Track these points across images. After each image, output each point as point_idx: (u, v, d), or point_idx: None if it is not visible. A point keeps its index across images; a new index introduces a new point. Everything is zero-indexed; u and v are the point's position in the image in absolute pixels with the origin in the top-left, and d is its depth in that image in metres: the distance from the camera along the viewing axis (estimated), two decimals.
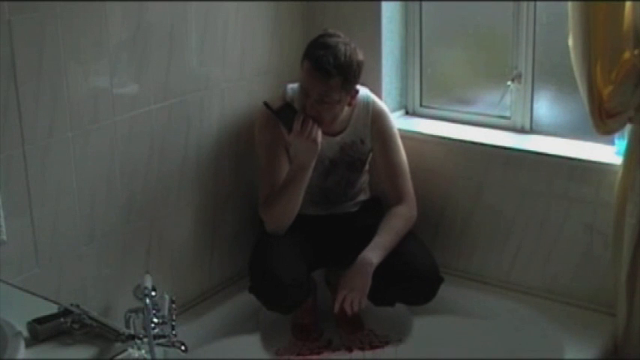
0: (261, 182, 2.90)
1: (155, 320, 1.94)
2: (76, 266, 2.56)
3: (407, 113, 3.31)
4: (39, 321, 1.82)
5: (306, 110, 2.74)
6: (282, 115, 2.75)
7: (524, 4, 2.95)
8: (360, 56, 2.76)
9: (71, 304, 1.87)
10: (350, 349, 2.93)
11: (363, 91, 2.91)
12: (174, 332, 1.95)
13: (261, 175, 2.90)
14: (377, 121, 2.91)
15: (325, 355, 2.91)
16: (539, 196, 2.93)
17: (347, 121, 2.88)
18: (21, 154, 2.35)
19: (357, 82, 2.78)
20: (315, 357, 2.90)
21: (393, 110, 3.16)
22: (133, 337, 1.82)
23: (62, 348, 1.79)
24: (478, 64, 3.23)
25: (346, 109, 2.83)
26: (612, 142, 2.82)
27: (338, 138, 2.89)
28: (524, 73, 3.01)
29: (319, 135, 2.73)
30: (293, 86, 2.89)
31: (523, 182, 2.95)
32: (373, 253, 2.74)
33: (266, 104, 2.78)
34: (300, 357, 2.90)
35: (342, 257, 2.85)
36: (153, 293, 1.99)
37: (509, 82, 3.06)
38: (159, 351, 1.91)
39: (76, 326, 1.82)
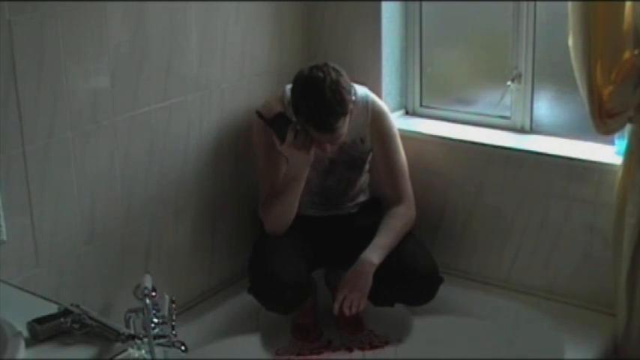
0: (260, 184, 2.90)
1: (155, 320, 1.93)
2: (76, 266, 2.56)
3: (407, 113, 3.31)
4: (39, 321, 1.82)
5: (319, 150, 2.73)
6: (275, 125, 2.74)
7: (524, 4, 2.95)
8: (346, 80, 2.70)
9: (71, 304, 1.87)
10: (350, 349, 2.93)
11: (363, 90, 2.91)
12: (174, 332, 1.95)
13: (260, 176, 2.90)
14: (376, 120, 2.91)
15: (325, 355, 2.92)
16: (539, 196, 2.93)
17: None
18: (21, 154, 2.35)
19: (352, 100, 2.74)
20: (315, 357, 2.90)
21: (393, 110, 3.16)
22: (133, 337, 1.82)
23: (62, 348, 1.79)
24: (478, 64, 3.23)
25: None
26: (612, 142, 2.82)
27: None
28: (524, 73, 3.01)
29: (309, 147, 2.71)
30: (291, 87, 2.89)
31: (523, 182, 2.95)
32: (374, 254, 2.74)
33: (259, 114, 2.77)
34: (300, 357, 2.90)
35: (342, 257, 2.85)
36: (153, 293, 1.99)
37: (509, 82, 3.05)
38: (159, 351, 1.91)
39: (76, 326, 1.82)
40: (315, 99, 2.65)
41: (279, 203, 2.79)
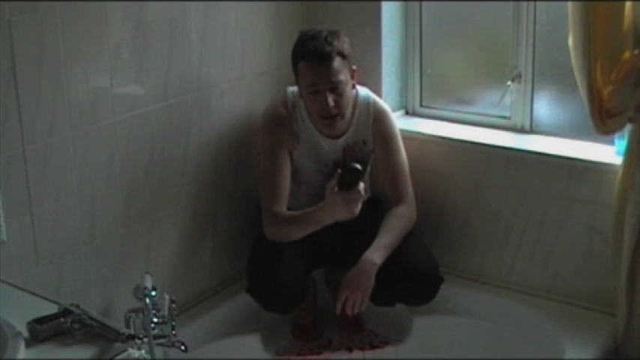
0: (263, 186, 2.88)
1: (155, 320, 1.93)
2: (76, 266, 2.56)
3: (407, 113, 3.31)
4: (39, 321, 1.82)
5: (322, 111, 2.75)
6: (346, 172, 2.72)
7: (524, 4, 2.95)
8: (344, 35, 2.80)
9: (71, 304, 1.87)
10: (350, 349, 2.93)
11: (364, 91, 2.92)
12: (174, 332, 1.95)
13: (263, 178, 2.88)
14: (378, 121, 2.91)
15: (325, 355, 2.91)
16: (539, 196, 2.93)
17: (349, 122, 2.87)
18: (21, 154, 2.35)
19: (351, 60, 2.80)
20: (315, 357, 2.90)
21: (393, 110, 3.15)
22: (133, 337, 1.82)
23: (62, 348, 1.79)
24: (478, 64, 3.23)
25: (348, 112, 2.83)
26: (612, 142, 2.82)
27: (341, 140, 2.88)
28: (524, 73, 3.01)
29: (359, 206, 2.73)
30: (293, 89, 2.89)
31: (523, 182, 2.95)
32: (376, 254, 2.74)
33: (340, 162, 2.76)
34: (300, 357, 2.90)
35: (342, 257, 2.85)
36: (153, 293, 1.99)
37: (509, 82, 3.05)
38: (159, 351, 1.91)
39: (76, 326, 1.82)
40: (314, 35, 2.76)
41: (290, 229, 2.78)
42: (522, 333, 2.84)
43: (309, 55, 2.73)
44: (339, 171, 2.73)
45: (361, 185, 2.73)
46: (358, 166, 2.72)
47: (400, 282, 2.76)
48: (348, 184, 2.71)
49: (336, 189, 2.72)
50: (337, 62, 2.73)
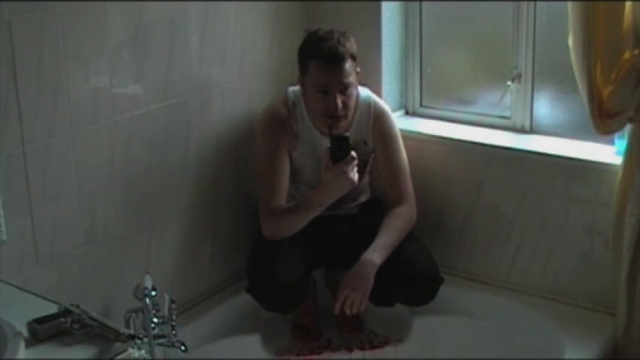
0: (261, 185, 2.88)
1: (155, 320, 1.94)
2: (76, 266, 2.56)
3: (407, 113, 3.31)
4: (39, 321, 1.82)
5: (328, 111, 2.76)
6: (334, 144, 2.74)
7: (524, 4, 2.95)
8: (351, 35, 2.81)
9: (71, 304, 1.88)
10: (350, 349, 2.93)
11: (365, 92, 2.92)
12: (174, 332, 1.95)
13: (262, 177, 2.88)
14: (379, 121, 2.91)
15: (325, 355, 2.91)
16: (539, 196, 2.93)
17: (350, 122, 2.87)
18: (21, 154, 2.35)
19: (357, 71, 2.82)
20: (315, 357, 2.90)
21: (393, 110, 3.15)
22: (133, 337, 1.82)
23: (62, 348, 1.79)
24: (478, 64, 3.23)
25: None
26: (612, 142, 2.82)
27: None
28: (524, 73, 3.01)
29: (356, 174, 2.75)
30: (294, 89, 2.89)
31: (523, 182, 2.95)
32: (375, 254, 2.74)
33: (329, 130, 2.77)
34: (300, 357, 2.90)
35: (342, 258, 2.85)
36: (153, 293, 1.99)
37: (509, 82, 3.05)
38: (159, 351, 1.91)
39: (76, 326, 1.82)
40: (325, 36, 2.77)
41: (291, 218, 2.78)
42: (522, 333, 2.84)
43: (322, 55, 2.73)
44: (329, 145, 2.75)
45: (353, 152, 2.73)
46: (346, 134, 2.75)
47: (400, 282, 2.76)
48: (340, 154, 2.72)
49: (330, 164, 2.73)
50: (348, 64, 2.74)
